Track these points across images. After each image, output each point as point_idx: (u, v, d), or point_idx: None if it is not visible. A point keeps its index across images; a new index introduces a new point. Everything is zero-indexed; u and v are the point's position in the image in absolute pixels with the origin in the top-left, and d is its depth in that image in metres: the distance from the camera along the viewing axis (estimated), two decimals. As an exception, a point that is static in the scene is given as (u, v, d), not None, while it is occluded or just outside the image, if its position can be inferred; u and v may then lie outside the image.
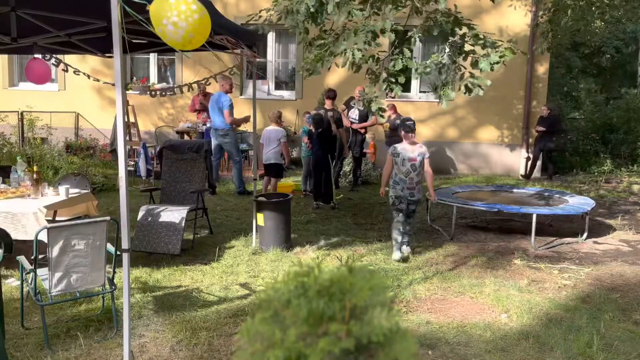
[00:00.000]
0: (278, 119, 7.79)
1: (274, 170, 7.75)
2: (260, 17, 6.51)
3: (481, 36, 5.69)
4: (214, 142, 8.44)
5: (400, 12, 5.76)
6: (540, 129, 10.53)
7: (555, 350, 3.60)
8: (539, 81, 11.17)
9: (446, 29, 5.51)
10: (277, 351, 1.34)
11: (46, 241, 3.42)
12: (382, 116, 5.90)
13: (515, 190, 7.96)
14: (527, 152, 11.22)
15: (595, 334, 3.81)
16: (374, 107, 5.66)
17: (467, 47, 5.83)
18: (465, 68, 5.76)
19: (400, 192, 5.48)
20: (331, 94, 8.06)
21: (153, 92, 5.36)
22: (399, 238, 5.54)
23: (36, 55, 6.15)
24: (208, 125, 9.90)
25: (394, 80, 5.55)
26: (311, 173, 8.48)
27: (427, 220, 7.15)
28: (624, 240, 6.57)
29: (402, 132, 5.55)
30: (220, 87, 8.35)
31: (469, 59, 5.80)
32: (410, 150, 5.50)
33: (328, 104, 8.03)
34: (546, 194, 7.60)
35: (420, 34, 5.64)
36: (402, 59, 5.52)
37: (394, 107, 9.61)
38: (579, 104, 15.61)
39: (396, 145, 5.60)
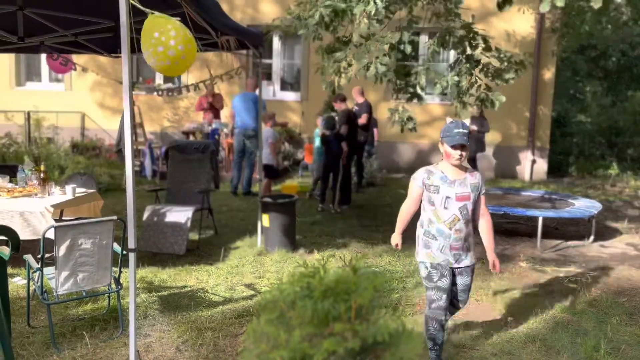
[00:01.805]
0: (269, 120, 7.81)
1: (266, 171, 7.82)
2: (273, 24, 6.66)
3: (493, 48, 5.76)
4: (238, 143, 8.39)
5: (415, 20, 5.84)
6: (473, 128, 10.44)
7: (562, 354, 3.58)
8: (545, 84, 11.14)
9: (464, 43, 5.56)
10: (282, 352, 1.34)
11: (53, 240, 3.43)
12: (415, 129, 6.02)
13: (521, 192, 7.93)
14: (533, 155, 11.18)
15: (602, 337, 3.79)
16: (410, 126, 5.72)
17: (483, 59, 5.88)
18: (481, 80, 5.80)
19: (439, 256, 3.23)
20: (342, 97, 8.11)
21: (160, 92, 5.38)
22: (439, 336, 3.23)
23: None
24: (214, 126, 9.93)
25: (416, 94, 5.64)
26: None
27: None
28: (631, 244, 6.53)
29: (445, 146, 3.19)
30: (250, 87, 8.38)
31: (485, 71, 5.87)
32: (458, 179, 3.22)
33: (343, 106, 8.08)
34: (552, 196, 7.57)
35: (436, 46, 5.70)
36: (423, 75, 5.59)
37: (360, 92, 9.13)
38: (585, 107, 15.55)
39: (431, 168, 3.29)
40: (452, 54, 6.67)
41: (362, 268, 1.21)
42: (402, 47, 5.52)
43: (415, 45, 5.62)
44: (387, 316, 1.24)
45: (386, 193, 9.29)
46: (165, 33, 2.81)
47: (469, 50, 5.81)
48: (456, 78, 5.71)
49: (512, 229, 7.10)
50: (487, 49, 5.73)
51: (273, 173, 7.97)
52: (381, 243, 6.15)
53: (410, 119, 5.88)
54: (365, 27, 5.16)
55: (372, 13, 5.13)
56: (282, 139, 10.41)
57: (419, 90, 5.93)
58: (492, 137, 11.31)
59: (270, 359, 1.30)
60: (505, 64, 5.76)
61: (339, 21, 5.52)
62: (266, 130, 7.73)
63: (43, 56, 10.79)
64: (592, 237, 6.55)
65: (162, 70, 2.91)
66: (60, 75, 12.13)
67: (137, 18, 3.02)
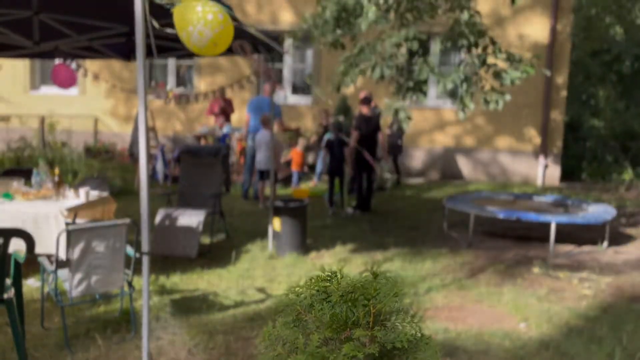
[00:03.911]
0: (269, 123, 7.72)
1: (267, 176, 7.79)
2: (289, 33, 6.69)
3: (503, 50, 5.73)
4: (251, 147, 8.38)
5: (423, 20, 5.83)
6: (387, 132, 10.21)
7: (575, 361, 3.55)
8: (558, 89, 11.06)
9: (470, 41, 5.55)
10: (299, 356, 1.33)
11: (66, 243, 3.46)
12: (409, 118, 5.97)
13: (534, 197, 7.87)
14: (546, 159, 11.10)
15: (617, 344, 3.74)
16: (401, 116, 5.72)
17: (490, 59, 5.86)
18: (487, 80, 5.77)
19: None
20: (365, 99, 7.90)
21: (168, 100, 5.44)
22: None
23: (58, 61, 6.27)
24: (225, 130, 9.97)
25: (418, 89, 5.61)
26: (355, 180, 8.28)
27: (444, 227, 7.10)
28: (646, 250, 6.45)
29: None
30: (267, 92, 8.35)
31: (491, 71, 5.85)
32: None
33: (364, 110, 7.84)
34: (566, 201, 7.50)
35: (443, 45, 5.69)
36: (426, 69, 5.57)
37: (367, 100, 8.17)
38: (598, 111, 15.42)
39: None
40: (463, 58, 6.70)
41: (382, 274, 1.20)
42: (408, 44, 5.51)
43: (423, 43, 5.60)
44: (405, 322, 1.23)
45: (397, 198, 9.27)
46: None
47: (474, 51, 5.80)
48: (461, 75, 5.69)
49: (524, 234, 7.05)
50: (496, 50, 5.71)
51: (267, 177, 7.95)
52: (392, 247, 6.13)
53: (402, 109, 5.86)
54: (373, 15, 5.14)
55: (382, 1, 5.14)
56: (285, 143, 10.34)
57: (422, 85, 5.90)
58: (505, 142, 11.25)
59: (287, 363, 1.29)
60: (514, 64, 5.73)
61: (348, 19, 5.52)
62: (265, 134, 7.69)
63: (57, 61, 10.91)
64: (606, 243, 6.48)
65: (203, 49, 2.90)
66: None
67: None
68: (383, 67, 5.45)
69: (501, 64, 6.02)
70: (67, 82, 6.18)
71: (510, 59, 5.85)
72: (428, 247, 6.21)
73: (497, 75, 5.83)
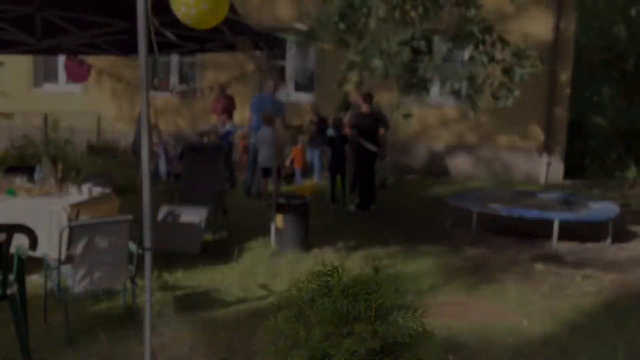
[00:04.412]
0: (271, 120, 7.69)
1: (265, 173, 7.78)
2: (293, 33, 6.68)
3: (511, 45, 5.73)
4: (253, 144, 8.36)
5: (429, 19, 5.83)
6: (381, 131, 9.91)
7: (579, 358, 3.54)
8: (561, 86, 11.03)
9: (478, 38, 5.54)
10: (301, 350, 1.33)
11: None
12: (409, 116, 5.97)
13: (537, 195, 7.85)
14: (549, 157, 11.07)
15: (620, 341, 3.73)
16: (401, 112, 5.73)
17: (497, 55, 5.86)
18: (494, 77, 5.78)
19: None
20: (365, 97, 7.86)
21: (174, 93, 5.45)
22: None
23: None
24: (227, 127, 9.96)
25: (422, 86, 5.61)
26: (357, 179, 8.26)
27: (447, 224, 7.09)
28: (649, 247, 6.43)
29: None
30: (269, 89, 8.31)
31: (499, 67, 5.84)
32: None
33: (363, 107, 7.84)
34: (569, 199, 7.48)
35: (449, 42, 5.69)
36: (432, 68, 5.58)
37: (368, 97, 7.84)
38: (601, 108, 15.36)
39: None
40: (468, 55, 6.68)
41: (383, 269, 1.20)
42: (415, 43, 5.51)
43: (429, 42, 5.60)
44: (407, 317, 1.22)
45: (398, 195, 9.26)
46: None
47: (482, 47, 5.79)
48: (466, 74, 5.70)
49: (527, 231, 7.03)
50: (505, 45, 5.70)
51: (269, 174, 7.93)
52: (395, 244, 6.12)
53: (402, 106, 5.88)
54: (383, 12, 5.14)
55: None
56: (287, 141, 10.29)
57: (426, 82, 5.89)
58: (508, 140, 11.23)
59: (288, 357, 1.29)
60: (523, 60, 5.73)
61: (354, 15, 5.52)
62: (267, 131, 7.65)
63: (61, 58, 10.92)
64: (609, 240, 6.46)
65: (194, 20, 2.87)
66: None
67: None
68: (388, 65, 5.45)
69: (508, 60, 6.02)
70: (79, 76, 6.19)
71: (517, 54, 5.85)
72: (431, 244, 6.20)
73: (506, 71, 5.83)
